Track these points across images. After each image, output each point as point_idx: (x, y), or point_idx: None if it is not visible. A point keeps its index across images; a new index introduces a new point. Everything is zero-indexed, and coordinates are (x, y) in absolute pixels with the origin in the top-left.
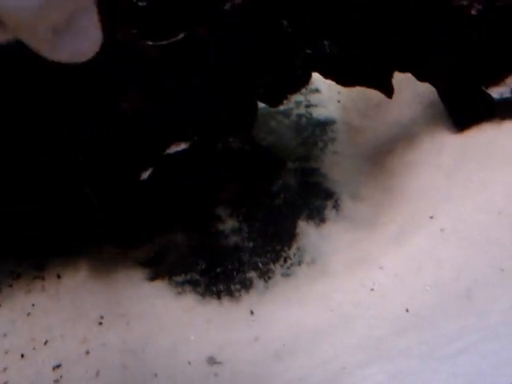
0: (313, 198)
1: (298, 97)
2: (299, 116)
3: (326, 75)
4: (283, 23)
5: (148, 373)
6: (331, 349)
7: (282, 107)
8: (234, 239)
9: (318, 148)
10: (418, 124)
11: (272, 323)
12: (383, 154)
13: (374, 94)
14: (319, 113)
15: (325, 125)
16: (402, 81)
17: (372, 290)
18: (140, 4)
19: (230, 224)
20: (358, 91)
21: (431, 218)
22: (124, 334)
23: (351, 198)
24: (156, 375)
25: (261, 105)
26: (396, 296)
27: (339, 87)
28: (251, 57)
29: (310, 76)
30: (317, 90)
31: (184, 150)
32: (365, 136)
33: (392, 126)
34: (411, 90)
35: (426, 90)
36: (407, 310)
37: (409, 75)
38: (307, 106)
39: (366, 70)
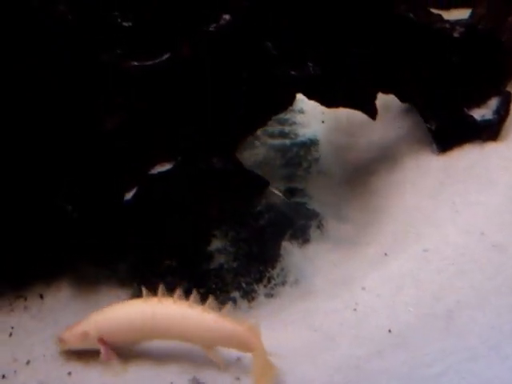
0: (297, 218)
1: (282, 118)
2: (284, 136)
3: (310, 96)
4: (268, 45)
5: None
6: (313, 368)
7: (266, 128)
8: (218, 259)
9: (303, 168)
10: (401, 145)
11: None
12: (367, 174)
13: (358, 115)
14: (304, 133)
15: (309, 145)
16: (386, 102)
17: (355, 310)
18: (125, 24)
19: (214, 244)
20: (342, 112)
21: (414, 238)
22: None
23: (335, 218)
24: None
25: None
26: (378, 316)
27: (323, 108)
28: (235, 78)
29: (294, 97)
30: (301, 111)
31: (168, 171)
32: (349, 156)
33: (376, 146)
34: (395, 112)
35: (410, 111)
36: (390, 331)
37: (393, 96)
38: (292, 127)
39: (350, 92)
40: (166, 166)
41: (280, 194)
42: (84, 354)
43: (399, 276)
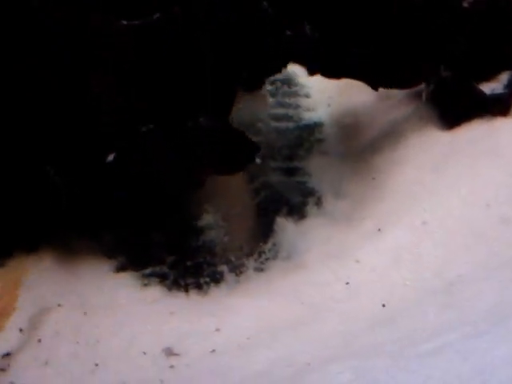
0: (295, 195)
1: (287, 102)
2: (288, 119)
3: (306, 62)
4: (263, 3)
5: (99, 362)
6: (298, 343)
7: (270, 111)
8: (208, 234)
9: (304, 148)
10: (406, 123)
11: (238, 316)
12: (370, 153)
13: (366, 97)
14: (309, 116)
15: (313, 127)
16: None
17: (347, 283)
18: None
19: (205, 219)
20: (349, 95)
21: (415, 211)
22: (80, 323)
23: (334, 195)
24: (106, 365)
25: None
26: (372, 290)
27: (330, 92)
28: (229, 37)
29: (289, 58)
30: (307, 95)
31: (152, 130)
32: (353, 136)
33: (380, 125)
34: (402, 92)
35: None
36: (383, 305)
37: None
38: (297, 110)
39: (350, 58)
40: (150, 126)
41: None
42: None
43: (396, 249)
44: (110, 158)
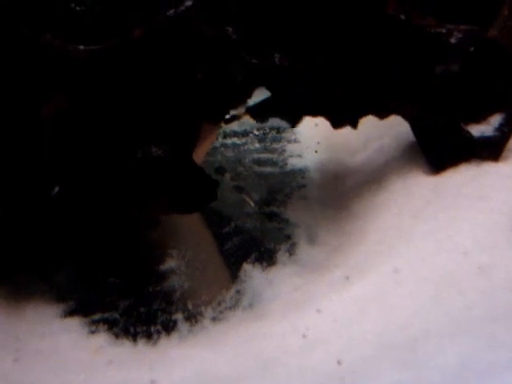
0: (267, 241)
1: (275, 146)
2: (273, 165)
3: (276, 96)
4: (228, 29)
5: None
6: None
7: (254, 156)
8: (168, 279)
9: (284, 194)
10: (392, 167)
11: (179, 368)
12: (350, 199)
13: (353, 142)
14: (294, 162)
15: (297, 173)
16: (382, 127)
17: (304, 336)
18: (78, 9)
19: (167, 264)
20: (339, 140)
21: (386, 258)
22: (9, 370)
23: (308, 242)
24: None
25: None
26: (330, 344)
27: (319, 138)
28: (191, 65)
29: (253, 88)
30: (295, 141)
31: (99, 162)
32: (336, 182)
33: (366, 171)
34: (391, 136)
35: (407, 133)
36: (339, 362)
37: (389, 120)
38: (283, 156)
39: (325, 94)
40: (99, 156)
41: (251, 203)
42: None
43: (362, 299)
44: (55, 190)
